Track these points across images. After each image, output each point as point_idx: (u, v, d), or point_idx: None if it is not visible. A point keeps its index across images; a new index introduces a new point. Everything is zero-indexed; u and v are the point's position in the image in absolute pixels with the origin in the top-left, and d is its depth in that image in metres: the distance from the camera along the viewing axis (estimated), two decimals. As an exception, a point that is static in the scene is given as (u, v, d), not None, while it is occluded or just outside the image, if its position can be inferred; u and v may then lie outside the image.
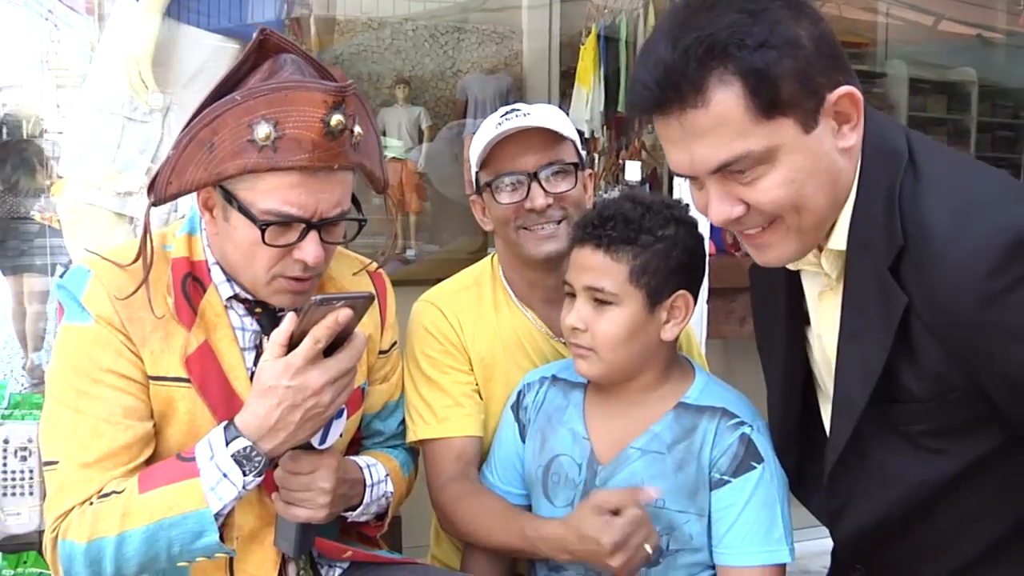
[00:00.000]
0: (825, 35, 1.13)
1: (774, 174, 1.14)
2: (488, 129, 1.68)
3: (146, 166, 2.14)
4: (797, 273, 1.39)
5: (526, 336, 1.77)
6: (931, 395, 1.20)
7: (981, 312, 1.09)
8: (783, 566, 1.46)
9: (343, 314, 1.25)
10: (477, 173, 1.73)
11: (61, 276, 1.43)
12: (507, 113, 1.68)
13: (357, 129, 1.32)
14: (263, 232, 1.30)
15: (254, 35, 1.35)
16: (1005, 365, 1.13)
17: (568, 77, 7.46)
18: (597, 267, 1.47)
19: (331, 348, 1.28)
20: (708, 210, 1.20)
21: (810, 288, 1.39)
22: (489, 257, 1.86)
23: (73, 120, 2.42)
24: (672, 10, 1.15)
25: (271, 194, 1.29)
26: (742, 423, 1.48)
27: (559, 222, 1.67)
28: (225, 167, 1.27)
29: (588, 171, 1.75)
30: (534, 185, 1.64)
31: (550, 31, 7.36)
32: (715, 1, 1.11)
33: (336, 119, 1.27)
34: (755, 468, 1.46)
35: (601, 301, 1.47)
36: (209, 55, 2.21)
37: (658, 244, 1.46)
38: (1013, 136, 6.32)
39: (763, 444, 1.48)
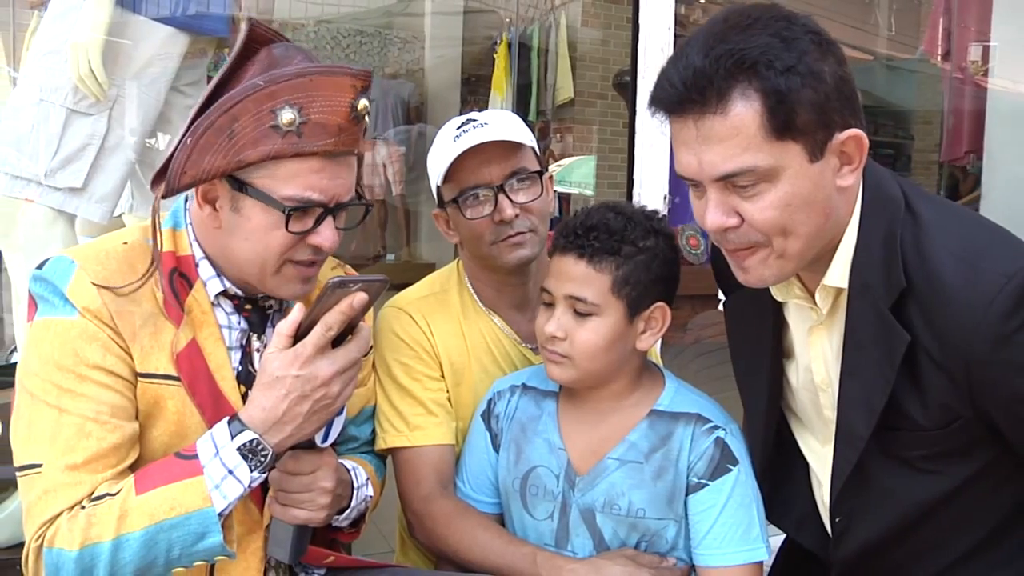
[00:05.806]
0: (846, 77, 1.20)
1: (773, 193, 1.20)
2: (445, 143, 1.67)
3: (90, 161, 2.04)
4: (781, 308, 1.46)
5: (494, 341, 1.77)
6: (936, 424, 1.30)
7: (995, 351, 1.21)
8: (761, 563, 1.52)
9: (359, 299, 1.22)
10: (439, 188, 1.72)
11: (39, 268, 1.35)
12: (463, 125, 1.68)
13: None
14: (288, 218, 1.28)
15: (243, 27, 1.33)
16: (1012, 396, 1.24)
17: (470, 84, 7.49)
18: (580, 277, 1.48)
19: (335, 340, 1.26)
20: (704, 217, 1.26)
21: (797, 322, 1.46)
22: (454, 263, 1.86)
23: (9, 110, 2.28)
24: (710, 23, 1.21)
25: (292, 180, 1.28)
26: (716, 427, 1.52)
27: (527, 232, 1.69)
28: (247, 154, 1.25)
29: (547, 174, 1.76)
30: (501, 197, 1.65)
31: (455, 38, 7.37)
32: (752, 22, 1.17)
33: (363, 103, 1.28)
34: (731, 470, 1.50)
35: (582, 311, 1.49)
36: (159, 47, 2.14)
37: (640, 255, 1.49)
38: (894, 154, 6.81)
39: (737, 446, 1.53)
